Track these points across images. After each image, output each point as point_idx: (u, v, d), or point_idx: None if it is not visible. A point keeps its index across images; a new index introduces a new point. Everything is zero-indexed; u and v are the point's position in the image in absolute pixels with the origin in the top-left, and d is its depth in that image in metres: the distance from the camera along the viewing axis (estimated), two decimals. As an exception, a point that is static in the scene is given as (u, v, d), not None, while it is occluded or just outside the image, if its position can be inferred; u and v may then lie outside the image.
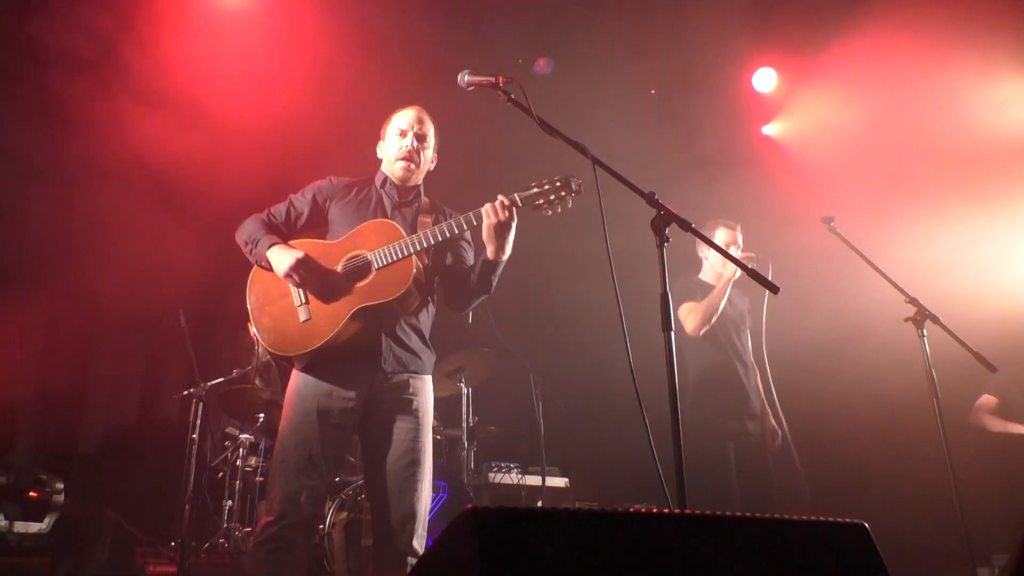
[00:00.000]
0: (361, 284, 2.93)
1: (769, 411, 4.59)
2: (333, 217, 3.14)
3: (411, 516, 2.83)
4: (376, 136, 3.34)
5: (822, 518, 1.49)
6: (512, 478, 5.80)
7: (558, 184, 2.87)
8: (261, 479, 5.15)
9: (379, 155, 3.30)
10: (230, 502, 5.07)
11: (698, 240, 4.61)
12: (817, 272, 5.22)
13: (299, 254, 2.91)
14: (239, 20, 5.47)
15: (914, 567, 4.98)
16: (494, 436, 5.95)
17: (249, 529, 5.02)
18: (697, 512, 1.36)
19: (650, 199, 2.47)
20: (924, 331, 3.51)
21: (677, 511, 1.62)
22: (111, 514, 5.19)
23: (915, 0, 5.38)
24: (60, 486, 4.82)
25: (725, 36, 6.03)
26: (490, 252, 2.95)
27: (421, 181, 3.27)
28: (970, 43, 5.33)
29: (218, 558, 4.74)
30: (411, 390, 3.00)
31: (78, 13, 5.06)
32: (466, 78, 2.77)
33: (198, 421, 5.06)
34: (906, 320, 3.56)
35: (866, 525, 1.50)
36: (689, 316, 4.54)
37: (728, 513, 1.41)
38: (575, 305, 6.64)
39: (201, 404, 5.09)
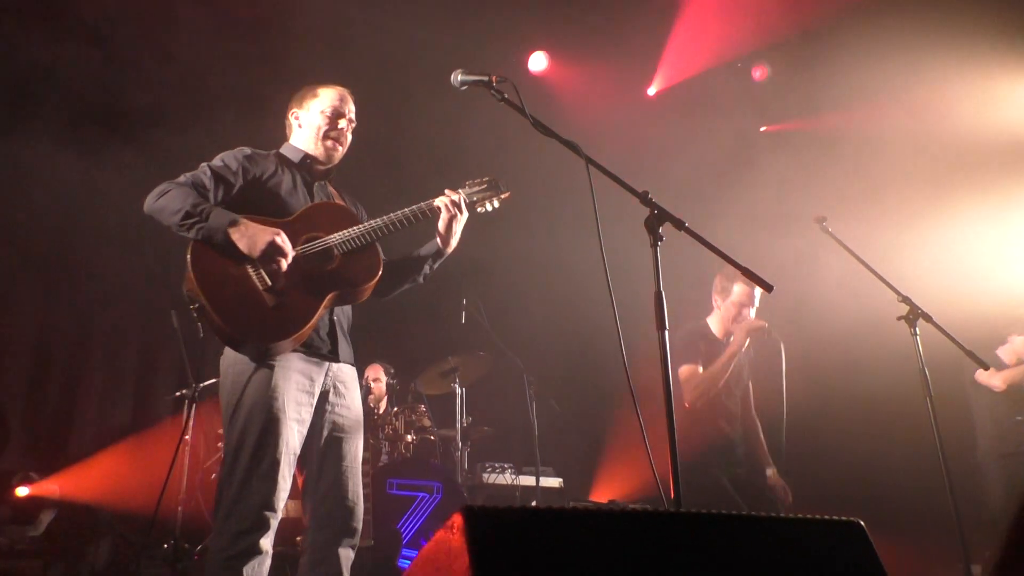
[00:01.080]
0: (328, 269, 2.78)
1: (771, 465, 4.40)
2: (259, 195, 2.86)
3: (358, 504, 2.79)
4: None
5: (818, 516, 1.49)
6: (506, 478, 5.80)
7: (487, 184, 3.06)
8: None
9: (296, 126, 3.08)
10: (223, 504, 5.04)
11: (715, 286, 4.48)
12: (809, 272, 5.23)
13: (277, 232, 2.66)
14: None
15: (908, 565, 5.00)
16: (488, 436, 5.94)
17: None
18: (692, 511, 1.36)
19: (643, 198, 2.47)
20: (917, 329, 3.51)
21: (673, 510, 1.62)
22: (104, 516, 5.17)
23: (913, 0, 5.40)
24: (54, 487, 4.80)
25: (719, 32, 6.03)
26: (443, 244, 3.00)
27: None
28: (964, 43, 5.34)
29: (211, 560, 4.72)
30: (352, 381, 2.94)
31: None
32: (459, 77, 2.76)
33: (191, 422, 5.05)
34: (899, 319, 3.56)
35: (862, 523, 1.50)
36: (688, 385, 4.24)
37: (724, 512, 1.40)
38: (569, 305, 6.64)
39: (194, 405, 5.08)
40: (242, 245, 2.62)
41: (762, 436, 4.47)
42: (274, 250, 2.64)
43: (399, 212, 2.90)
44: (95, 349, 5.88)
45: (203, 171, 2.80)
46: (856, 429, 5.67)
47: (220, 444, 5.29)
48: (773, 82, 6.44)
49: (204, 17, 5.27)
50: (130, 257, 5.78)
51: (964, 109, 5.67)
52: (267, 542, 2.55)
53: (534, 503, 5.50)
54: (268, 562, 2.57)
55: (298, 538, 4.78)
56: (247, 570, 2.49)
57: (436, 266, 3.09)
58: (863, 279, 3.73)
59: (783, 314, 4.58)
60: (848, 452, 5.64)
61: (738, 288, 4.38)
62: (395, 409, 5.60)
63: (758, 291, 4.40)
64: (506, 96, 2.69)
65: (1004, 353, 5.42)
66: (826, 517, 1.50)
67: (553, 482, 5.92)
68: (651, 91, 6.49)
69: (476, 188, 3.05)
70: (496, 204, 3.08)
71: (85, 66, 5.23)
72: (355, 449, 2.85)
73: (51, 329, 5.65)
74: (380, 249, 2.90)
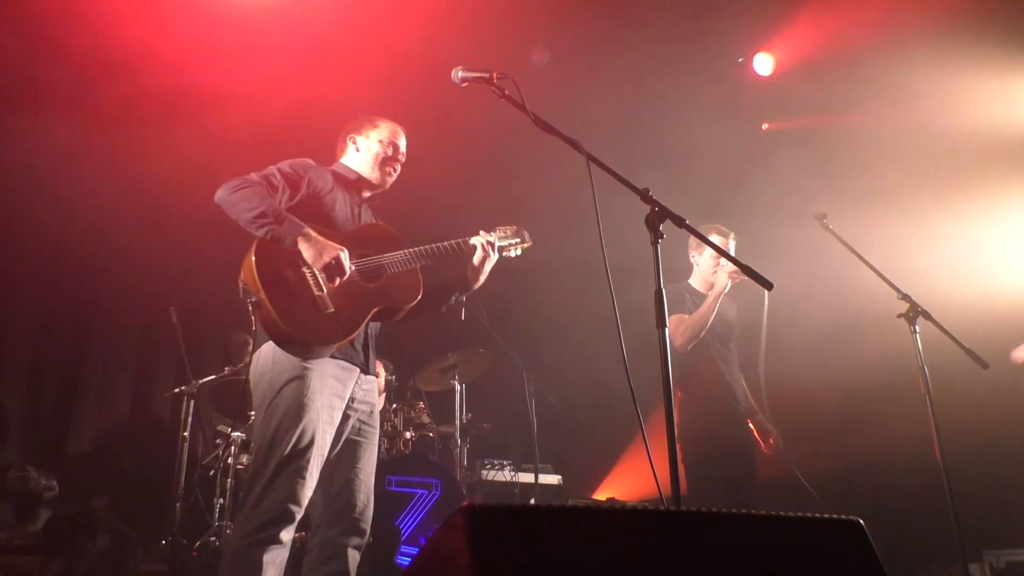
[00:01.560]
0: (374, 286, 2.98)
1: (761, 416, 4.52)
2: (315, 206, 3.04)
3: (369, 505, 2.92)
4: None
5: (817, 515, 1.48)
6: (505, 475, 5.80)
7: (514, 232, 3.33)
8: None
9: (352, 149, 3.30)
10: (221, 500, 5.05)
11: (690, 243, 4.63)
12: (810, 268, 5.22)
13: (343, 249, 2.86)
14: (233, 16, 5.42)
15: (907, 563, 5.00)
16: (487, 433, 5.95)
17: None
18: (692, 509, 1.35)
19: (644, 195, 2.47)
20: (916, 327, 3.52)
21: (673, 508, 1.62)
22: (102, 512, 5.16)
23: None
24: (54, 483, 4.80)
25: (720, 26, 6.03)
26: (472, 280, 3.22)
27: None
28: (966, 40, 5.34)
29: (209, 556, 4.72)
30: (375, 390, 3.11)
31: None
32: (460, 74, 2.78)
33: (190, 419, 5.05)
34: (899, 316, 3.57)
35: (861, 522, 1.50)
36: (677, 331, 4.37)
37: (723, 510, 1.40)
38: (568, 302, 6.64)
39: (193, 402, 5.08)
40: (308, 255, 2.80)
41: (764, 393, 4.54)
42: (336, 265, 2.82)
43: (438, 244, 3.11)
44: (94, 345, 5.86)
45: (273, 174, 2.97)
46: (854, 427, 5.68)
47: (218, 441, 5.29)
48: (776, 79, 6.43)
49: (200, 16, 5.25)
50: (130, 254, 5.77)
51: (966, 106, 5.67)
52: (288, 535, 2.66)
53: (533, 500, 5.50)
54: (286, 553, 2.67)
55: (296, 535, 4.81)
56: (267, 557, 2.59)
57: (461, 299, 3.31)
58: (863, 276, 3.74)
59: (782, 311, 4.57)
60: (846, 450, 5.64)
61: (713, 238, 4.49)
62: (394, 406, 5.61)
63: (733, 243, 4.58)
64: (507, 92, 2.69)
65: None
66: (825, 516, 1.50)
67: (552, 479, 5.92)
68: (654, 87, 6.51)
69: (505, 235, 3.30)
70: (519, 252, 3.35)
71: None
72: (371, 453, 3.00)
73: (50, 324, 5.64)
74: (420, 275, 3.09)
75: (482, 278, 3.23)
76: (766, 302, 4.34)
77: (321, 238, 2.84)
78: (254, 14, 5.35)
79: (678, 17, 5.94)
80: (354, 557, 2.85)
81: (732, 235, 4.60)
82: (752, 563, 1.39)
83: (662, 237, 2.43)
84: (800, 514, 1.46)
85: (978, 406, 5.04)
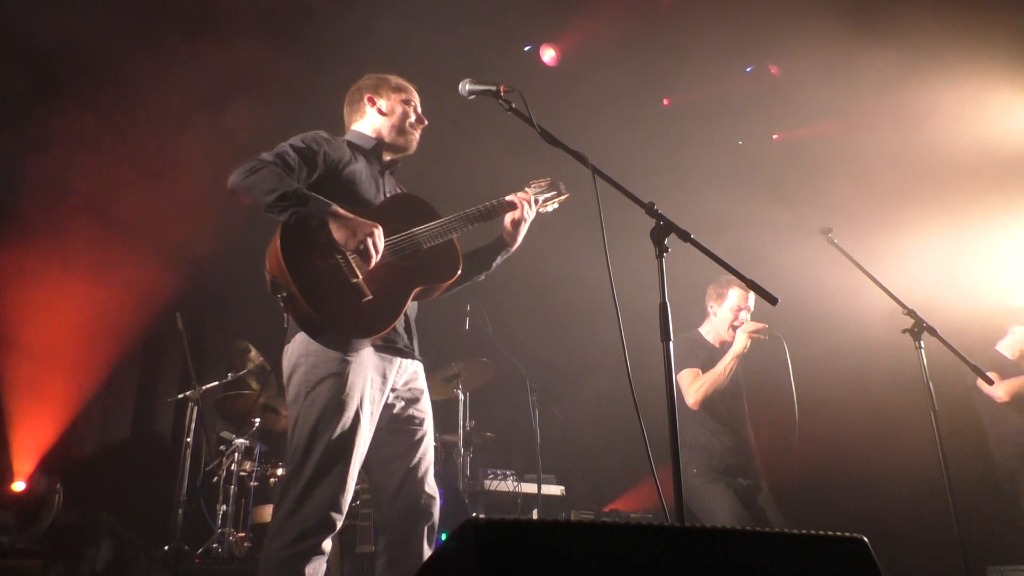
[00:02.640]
0: (411, 264, 2.74)
1: (764, 479, 4.44)
2: (336, 181, 2.80)
3: (435, 498, 2.73)
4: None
5: (821, 532, 1.48)
6: (508, 485, 5.78)
7: (549, 184, 3.11)
8: (256, 484, 5.13)
9: (372, 111, 3.05)
10: (224, 507, 5.05)
11: (709, 293, 4.55)
12: (815, 283, 5.22)
13: (376, 226, 2.60)
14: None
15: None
16: (490, 443, 5.94)
17: (243, 534, 5.00)
18: (698, 526, 1.36)
19: (649, 209, 2.47)
20: (921, 342, 3.51)
21: (679, 525, 1.62)
22: (105, 517, 5.17)
23: (913, 14, 5.40)
24: (57, 488, 4.81)
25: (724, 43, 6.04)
26: (510, 240, 3.03)
27: None
28: (969, 56, 5.35)
29: (212, 563, 4.72)
30: (421, 377, 2.90)
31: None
32: (467, 87, 2.78)
33: (193, 425, 5.05)
34: (903, 331, 3.56)
35: (865, 540, 1.50)
36: (691, 387, 4.30)
37: (729, 527, 1.40)
38: (573, 313, 6.65)
39: (196, 408, 5.09)
40: (339, 236, 2.54)
41: (755, 450, 4.49)
42: (371, 245, 2.57)
43: (474, 208, 2.92)
44: (99, 350, 5.88)
45: (286, 151, 2.71)
46: (859, 442, 5.66)
47: (221, 447, 5.30)
48: (783, 89, 6.45)
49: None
50: (135, 258, 5.79)
51: (973, 121, 5.68)
52: (328, 543, 2.49)
53: (536, 511, 5.49)
54: (325, 562, 2.50)
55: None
56: (308, 569, 2.42)
57: (502, 262, 3.09)
58: (868, 291, 3.74)
59: (788, 326, 4.56)
60: (851, 466, 5.63)
61: (733, 292, 4.46)
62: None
63: (752, 295, 4.47)
64: (514, 106, 2.69)
65: (1005, 347, 5.15)
66: (829, 533, 1.50)
67: (555, 490, 5.91)
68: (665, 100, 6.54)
69: (540, 188, 3.10)
70: (556, 205, 3.13)
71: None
72: (427, 444, 2.79)
73: (55, 329, 5.66)
74: (458, 246, 2.89)
75: (520, 238, 3.04)
76: (786, 347, 4.24)
77: (352, 216, 2.58)
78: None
79: (683, 28, 5.96)
80: (426, 551, 2.66)
81: (752, 294, 4.48)
82: (755, 580, 1.39)
83: (667, 251, 2.43)
84: (804, 531, 1.46)
85: (982, 421, 5.04)
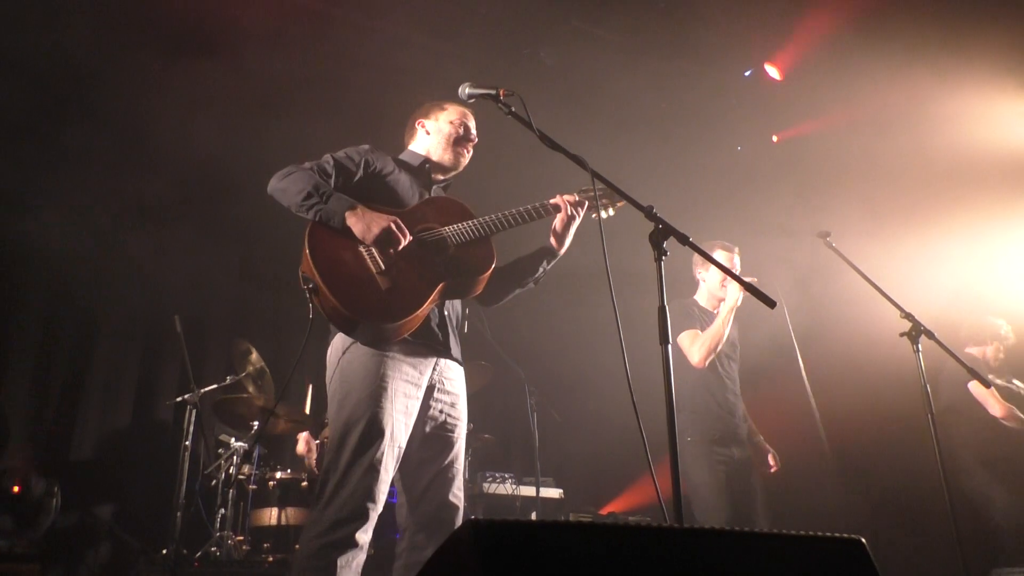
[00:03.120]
0: (440, 259, 2.82)
1: (759, 437, 4.61)
2: (377, 187, 2.94)
3: (460, 505, 2.76)
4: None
5: (819, 533, 1.49)
6: (506, 488, 5.79)
7: (604, 191, 3.01)
8: (254, 487, 5.13)
9: (422, 133, 3.21)
10: (223, 510, 5.05)
11: (695, 260, 4.67)
12: (813, 287, 5.24)
13: (394, 219, 2.72)
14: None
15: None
16: (489, 445, 5.94)
17: (242, 538, 5.00)
18: (698, 527, 1.36)
19: (648, 212, 2.48)
20: (919, 346, 3.52)
21: (678, 526, 1.62)
22: (103, 521, 5.17)
23: (912, 17, 5.42)
24: (55, 491, 4.80)
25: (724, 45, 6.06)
26: (556, 244, 3.05)
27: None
28: (967, 61, 5.37)
29: (210, 567, 4.72)
30: (459, 379, 2.95)
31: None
32: (467, 90, 2.79)
33: (192, 428, 5.05)
34: (901, 335, 3.57)
35: (863, 540, 1.51)
36: (693, 346, 4.39)
37: (727, 528, 1.41)
38: (571, 316, 6.65)
39: (195, 411, 5.08)
40: (357, 230, 2.68)
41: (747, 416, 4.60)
42: (389, 236, 2.70)
43: (516, 209, 2.94)
44: (98, 353, 5.88)
45: (326, 160, 2.89)
46: (857, 445, 5.66)
47: (220, 450, 5.29)
48: (783, 90, 6.46)
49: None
50: (134, 262, 5.80)
51: (971, 126, 5.70)
52: (365, 536, 2.52)
53: (534, 514, 5.49)
54: (363, 557, 2.53)
55: (297, 545, 4.79)
56: (341, 560, 2.45)
57: (549, 268, 3.11)
58: (866, 295, 3.75)
59: (784, 329, 4.57)
60: (848, 469, 5.63)
61: (718, 254, 4.55)
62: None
63: (738, 258, 4.61)
64: (513, 110, 2.70)
65: (975, 350, 5.22)
66: (827, 535, 1.50)
67: (553, 493, 5.91)
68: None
69: (590, 193, 3.07)
70: (612, 212, 3.06)
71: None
72: (458, 448, 2.84)
73: (54, 332, 5.66)
74: (493, 244, 2.92)
75: (567, 242, 3.06)
76: (787, 315, 4.37)
77: (369, 211, 2.72)
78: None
79: (679, 31, 5.97)
80: None
81: (736, 250, 4.63)
82: (754, 581, 1.40)
83: (666, 254, 2.43)
84: (802, 532, 1.47)
85: (980, 424, 5.04)
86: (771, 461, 4.53)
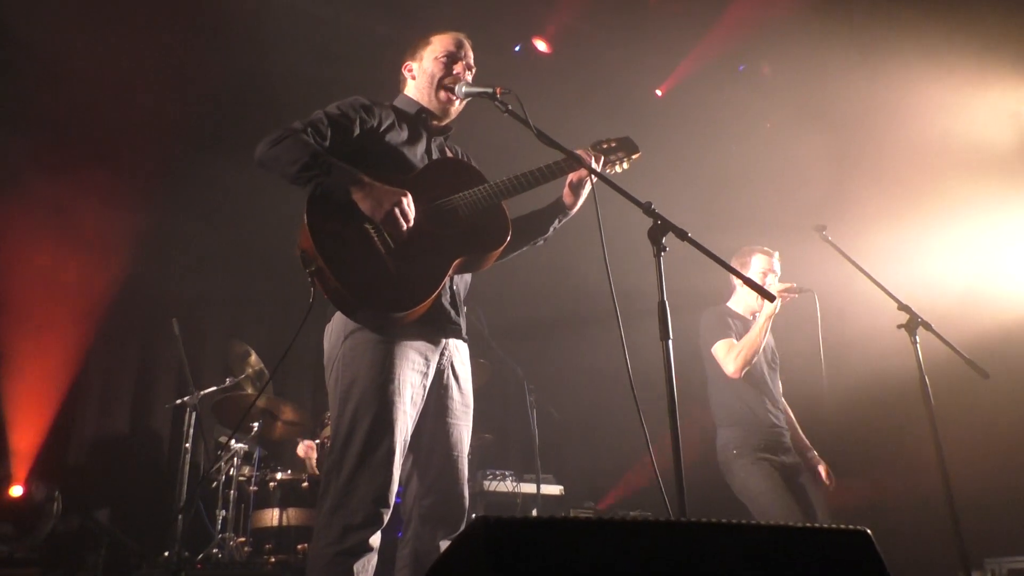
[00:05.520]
0: (452, 232, 2.57)
1: (813, 452, 4.47)
2: (377, 147, 2.65)
3: (465, 496, 2.61)
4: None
5: (825, 525, 1.50)
6: (507, 486, 5.80)
7: (619, 143, 2.85)
8: (255, 488, 5.13)
9: (409, 78, 2.90)
10: (224, 512, 5.05)
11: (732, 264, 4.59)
12: (809, 280, 5.26)
13: (405, 193, 2.44)
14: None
15: (907, 573, 5.00)
16: (488, 443, 5.95)
17: (243, 539, 5.00)
18: (704, 520, 1.37)
19: (647, 209, 2.48)
20: (917, 338, 3.53)
21: (686, 520, 1.63)
22: (104, 524, 5.16)
23: (904, 11, 5.44)
24: (55, 495, 4.79)
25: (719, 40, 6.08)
26: (569, 202, 2.84)
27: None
28: (960, 53, 5.39)
29: (212, 569, 4.72)
30: (466, 360, 2.75)
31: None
32: (463, 89, 2.78)
33: (191, 430, 5.05)
34: (899, 327, 3.58)
35: (869, 532, 1.52)
36: (729, 356, 4.22)
37: (731, 520, 1.42)
38: (570, 313, 6.66)
39: (194, 413, 5.08)
40: (365, 206, 2.41)
41: (793, 423, 4.51)
42: (400, 213, 2.42)
43: (525, 173, 2.69)
44: (96, 356, 5.87)
45: (319, 119, 2.59)
46: (855, 437, 5.69)
47: (220, 452, 5.29)
48: (773, 82, 6.47)
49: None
50: (131, 263, 5.79)
51: (966, 118, 5.72)
52: (377, 539, 2.38)
53: (535, 511, 5.50)
54: (375, 558, 2.39)
55: (299, 546, 4.81)
56: (358, 566, 2.32)
57: (560, 226, 2.89)
58: (863, 287, 3.76)
59: (785, 322, 4.59)
60: (846, 461, 5.65)
61: (757, 258, 4.45)
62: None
63: (777, 258, 4.48)
64: (510, 108, 2.69)
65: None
66: (833, 526, 1.51)
67: (554, 489, 5.92)
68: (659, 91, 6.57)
69: (610, 147, 2.84)
70: (627, 165, 2.87)
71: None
72: (465, 437, 2.67)
73: (52, 335, 5.64)
74: (508, 211, 2.70)
75: (581, 200, 2.82)
76: (818, 312, 4.22)
77: (377, 184, 2.44)
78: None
79: (678, 27, 5.99)
80: None
81: (776, 255, 4.50)
82: (760, 573, 1.41)
83: (664, 250, 2.43)
84: (807, 524, 1.48)
85: (978, 415, 5.07)
86: (824, 476, 4.33)
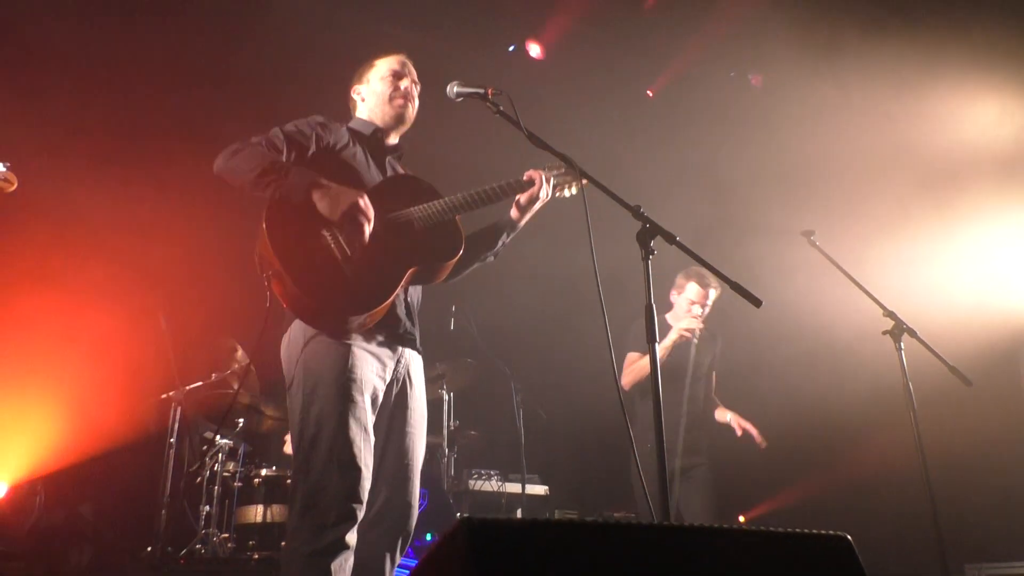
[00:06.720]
0: (408, 243, 2.62)
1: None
2: (332, 164, 2.68)
3: (415, 506, 2.61)
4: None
5: (805, 530, 1.51)
6: (492, 485, 5.81)
7: (566, 168, 2.86)
8: (240, 484, 5.12)
9: (359, 101, 3.00)
10: (208, 507, 5.03)
11: (675, 283, 4.64)
12: (796, 285, 5.29)
13: (361, 194, 2.48)
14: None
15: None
16: (475, 442, 5.96)
17: (227, 535, 4.99)
18: (687, 524, 1.38)
19: (636, 212, 2.49)
20: (901, 344, 3.56)
21: (668, 523, 1.64)
22: (88, 519, 5.13)
23: (896, 17, 5.47)
24: (38, 490, 4.77)
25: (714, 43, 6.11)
26: (518, 216, 2.88)
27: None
28: (949, 60, 5.43)
29: (196, 564, 4.71)
30: (419, 372, 2.78)
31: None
32: (455, 89, 2.77)
33: (176, 425, 5.03)
34: (884, 333, 3.60)
35: (849, 537, 1.53)
36: (626, 369, 4.42)
37: (714, 525, 1.43)
38: (558, 313, 6.67)
39: (179, 408, 5.06)
40: (322, 206, 2.45)
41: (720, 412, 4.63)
42: (358, 213, 2.47)
43: (486, 186, 2.75)
44: (80, 351, 5.83)
45: (275, 135, 2.66)
46: (839, 443, 5.72)
47: (205, 448, 5.27)
48: (765, 89, 6.50)
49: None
50: (118, 258, 5.76)
51: (953, 125, 5.76)
52: (353, 537, 2.37)
53: (520, 511, 5.51)
54: (352, 558, 2.38)
55: (283, 542, 4.79)
56: (335, 565, 2.31)
57: (509, 241, 2.94)
58: (849, 293, 3.78)
59: (768, 329, 4.62)
60: (830, 466, 5.69)
61: (691, 286, 4.51)
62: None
63: (712, 293, 4.51)
64: (501, 108, 2.70)
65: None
66: (814, 531, 1.52)
67: (539, 489, 5.93)
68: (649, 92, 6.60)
69: (557, 172, 2.89)
70: (574, 191, 2.92)
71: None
72: (419, 447, 2.68)
73: (37, 329, 5.61)
74: (462, 226, 2.75)
75: (527, 217, 2.88)
76: (720, 344, 4.38)
77: (335, 185, 2.48)
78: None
79: (672, 34, 6.01)
80: (391, 566, 2.54)
81: (713, 292, 4.49)
82: (741, 577, 1.42)
83: (653, 253, 2.45)
84: (790, 529, 1.49)
85: (961, 421, 5.11)
86: (755, 436, 4.47)
